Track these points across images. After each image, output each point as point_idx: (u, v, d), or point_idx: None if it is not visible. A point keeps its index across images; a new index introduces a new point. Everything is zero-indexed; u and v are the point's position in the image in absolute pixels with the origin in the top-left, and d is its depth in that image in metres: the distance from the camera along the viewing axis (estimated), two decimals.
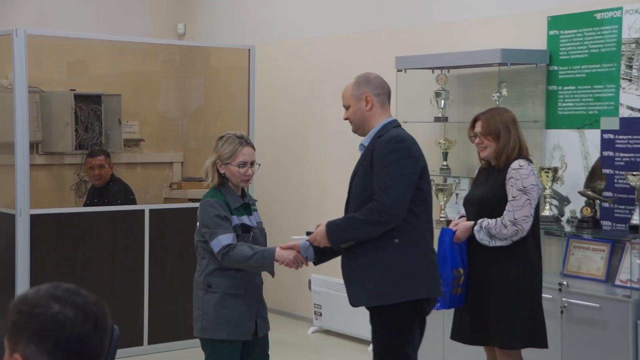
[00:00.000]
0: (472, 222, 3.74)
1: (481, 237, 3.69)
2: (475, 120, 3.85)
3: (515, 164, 3.70)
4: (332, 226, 3.25)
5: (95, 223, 5.46)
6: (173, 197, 6.44)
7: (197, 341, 5.65)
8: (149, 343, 5.59)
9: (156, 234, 5.62)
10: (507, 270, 3.70)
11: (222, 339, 3.48)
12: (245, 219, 3.52)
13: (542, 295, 4.36)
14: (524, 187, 3.66)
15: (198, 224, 3.57)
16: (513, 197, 3.67)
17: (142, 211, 5.61)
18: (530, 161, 3.79)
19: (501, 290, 3.70)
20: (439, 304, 3.61)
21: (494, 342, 3.78)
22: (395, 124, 3.32)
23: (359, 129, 3.36)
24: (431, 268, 3.25)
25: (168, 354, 5.60)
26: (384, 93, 3.34)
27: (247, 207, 3.58)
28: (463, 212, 4.02)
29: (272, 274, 3.54)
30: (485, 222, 3.69)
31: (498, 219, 3.68)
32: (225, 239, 3.41)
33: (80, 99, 5.98)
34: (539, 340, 3.78)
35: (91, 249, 5.43)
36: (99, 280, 5.42)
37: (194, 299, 3.58)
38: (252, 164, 3.52)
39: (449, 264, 3.67)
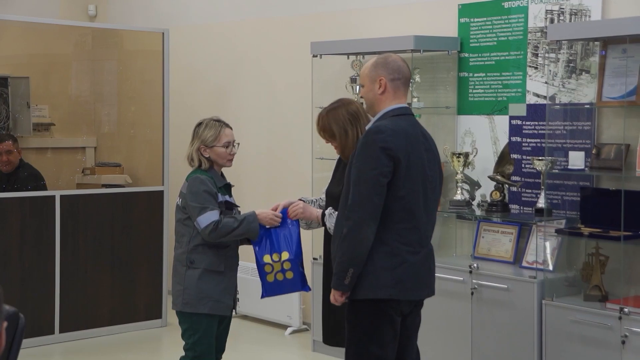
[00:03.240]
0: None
1: (329, 224, 3.53)
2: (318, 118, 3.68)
3: None
4: (333, 278, 3.11)
5: (3, 210, 5.31)
6: (86, 182, 6.31)
7: (109, 329, 5.66)
8: (61, 332, 5.49)
9: (68, 221, 5.51)
10: None
11: (204, 313, 3.65)
12: (228, 199, 3.77)
13: (452, 277, 4.48)
14: None
15: (180, 200, 3.76)
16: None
17: (53, 197, 5.48)
18: None
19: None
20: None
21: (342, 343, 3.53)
22: (396, 112, 3.16)
23: (369, 110, 3.28)
24: (400, 269, 3.07)
25: (80, 342, 5.51)
26: (400, 78, 3.19)
27: (229, 188, 3.83)
28: None
29: (255, 237, 3.70)
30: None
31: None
32: (213, 215, 3.63)
33: None
34: None
35: None
36: (8, 268, 5.28)
37: (174, 274, 3.74)
38: (233, 143, 3.78)
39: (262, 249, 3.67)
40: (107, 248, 5.67)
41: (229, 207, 3.75)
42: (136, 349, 5.45)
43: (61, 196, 5.51)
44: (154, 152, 6.05)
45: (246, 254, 6.33)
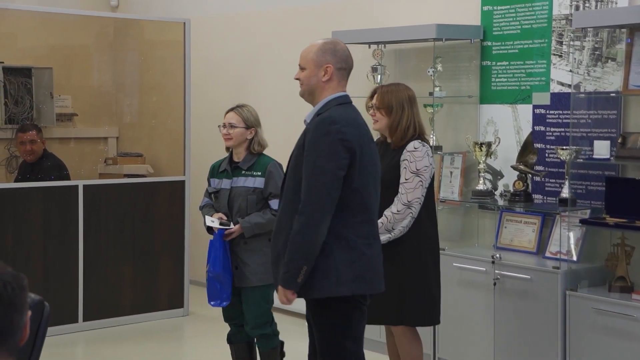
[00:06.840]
0: None
1: (382, 239, 3.47)
2: (374, 93, 3.87)
3: (410, 146, 3.69)
4: (283, 276, 2.95)
5: (27, 199, 5.35)
6: (108, 172, 6.35)
7: (132, 318, 5.68)
8: (84, 320, 5.53)
9: (91, 210, 5.54)
10: (397, 251, 3.65)
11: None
12: (222, 183, 4.05)
13: (475, 268, 4.45)
14: (417, 170, 3.66)
15: None
16: (406, 179, 3.65)
17: (76, 187, 5.51)
18: (427, 141, 3.78)
19: (392, 267, 3.57)
20: (218, 301, 3.95)
21: (386, 320, 3.78)
22: (340, 101, 3.05)
23: (305, 94, 3.10)
24: (359, 262, 2.95)
25: (103, 330, 5.55)
26: (346, 68, 3.10)
27: (235, 170, 4.04)
28: None
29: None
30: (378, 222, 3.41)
31: (386, 213, 3.63)
32: (203, 200, 4.17)
33: (9, 72, 5.83)
34: (432, 317, 3.80)
35: (23, 226, 5.33)
36: (32, 258, 5.33)
37: None
38: (230, 126, 4.02)
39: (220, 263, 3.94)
40: (129, 237, 5.70)
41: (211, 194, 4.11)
42: (158, 338, 5.49)
43: (84, 186, 5.54)
44: (175, 142, 6.06)
45: None
